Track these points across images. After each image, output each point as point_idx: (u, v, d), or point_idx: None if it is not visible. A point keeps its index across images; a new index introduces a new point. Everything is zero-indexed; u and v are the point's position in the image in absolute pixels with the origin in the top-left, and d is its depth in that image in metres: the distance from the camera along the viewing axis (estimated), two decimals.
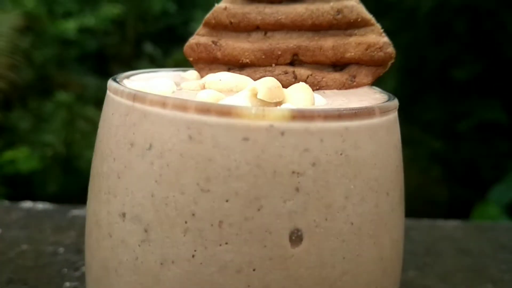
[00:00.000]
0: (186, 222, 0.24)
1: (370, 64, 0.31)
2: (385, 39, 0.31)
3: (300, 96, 0.26)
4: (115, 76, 0.29)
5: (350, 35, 0.31)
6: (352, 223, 0.25)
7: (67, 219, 0.63)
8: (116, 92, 0.27)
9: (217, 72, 0.31)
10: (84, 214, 0.65)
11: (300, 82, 0.29)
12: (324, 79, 0.32)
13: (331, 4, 0.31)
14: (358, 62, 0.32)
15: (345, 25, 0.31)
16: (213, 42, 0.33)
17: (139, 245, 0.25)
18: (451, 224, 0.69)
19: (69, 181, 2.45)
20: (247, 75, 0.31)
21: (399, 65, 2.37)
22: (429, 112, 2.51)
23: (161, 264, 0.25)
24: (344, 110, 0.25)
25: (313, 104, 0.27)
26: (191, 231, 0.24)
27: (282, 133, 0.24)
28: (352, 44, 0.31)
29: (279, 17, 0.32)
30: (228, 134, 0.23)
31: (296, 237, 0.24)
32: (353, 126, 0.25)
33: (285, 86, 0.28)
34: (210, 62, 0.34)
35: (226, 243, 0.24)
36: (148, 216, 0.25)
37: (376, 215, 0.26)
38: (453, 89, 2.41)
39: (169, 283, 0.25)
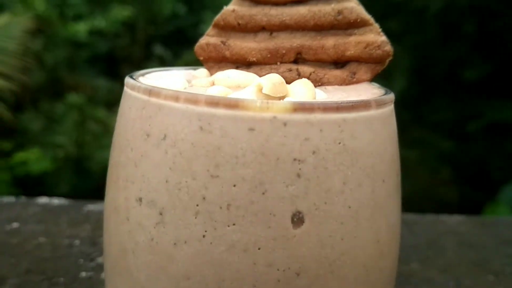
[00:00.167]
0: (197, 205, 0.26)
1: (369, 61, 0.33)
2: (383, 38, 0.33)
3: (302, 90, 0.29)
4: (131, 74, 0.32)
5: (350, 35, 0.33)
6: (350, 207, 0.27)
7: (82, 213, 0.66)
8: (133, 88, 0.29)
9: (225, 70, 0.34)
10: (98, 209, 0.67)
11: (303, 78, 0.31)
12: (326, 76, 0.34)
13: (332, 5, 0.33)
14: (358, 60, 0.34)
15: (345, 25, 0.33)
16: (222, 42, 0.35)
17: (154, 227, 0.27)
18: (455, 219, 0.70)
19: (80, 181, 2.47)
20: (254, 73, 0.33)
21: (408, 66, 2.37)
22: (438, 113, 2.51)
23: (175, 244, 0.27)
24: (342, 102, 0.27)
25: (314, 98, 0.29)
26: (202, 213, 0.26)
27: (285, 124, 0.26)
28: (352, 43, 0.33)
29: (284, 18, 0.34)
30: (235, 125, 0.26)
31: (297, 219, 0.26)
32: (350, 117, 0.27)
33: (289, 82, 0.31)
34: (219, 61, 0.36)
35: (234, 224, 0.26)
36: (162, 200, 0.27)
37: (372, 200, 0.28)
38: (462, 90, 2.42)
39: (182, 262, 0.27)
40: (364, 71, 0.34)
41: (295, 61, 0.35)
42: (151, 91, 0.28)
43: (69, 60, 2.86)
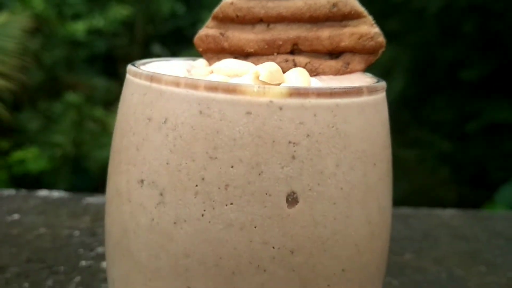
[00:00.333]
0: (196, 186, 0.27)
1: (363, 52, 0.35)
2: (376, 29, 0.34)
3: (298, 78, 0.30)
4: (133, 62, 0.33)
5: (345, 26, 0.35)
6: (342, 188, 0.28)
7: (82, 206, 0.67)
8: (135, 74, 0.30)
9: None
10: (97, 201, 0.68)
11: (299, 67, 0.32)
12: (321, 66, 0.35)
13: None
14: (352, 51, 0.35)
15: (340, 17, 0.34)
16: (220, 33, 0.37)
17: (155, 208, 0.28)
18: (449, 213, 0.71)
19: (78, 180, 2.48)
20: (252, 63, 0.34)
21: (408, 66, 2.39)
22: (437, 113, 2.52)
23: (175, 223, 0.28)
24: (335, 88, 0.28)
25: (309, 85, 0.30)
26: (201, 193, 0.27)
27: (281, 108, 0.27)
28: (346, 34, 0.35)
29: (281, 11, 0.35)
30: (233, 108, 0.27)
31: (292, 199, 0.27)
32: (343, 103, 0.28)
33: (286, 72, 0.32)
34: (218, 52, 0.37)
35: (231, 204, 0.27)
36: (163, 181, 0.28)
37: (364, 183, 0.29)
38: (461, 90, 2.43)
39: (181, 240, 0.28)
40: (358, 62, 0.35)
41: (292, 52, 0.36)
42: (152, 77, 0.29)
43: (67, 59, 2.86)
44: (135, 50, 3.06)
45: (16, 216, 0.62)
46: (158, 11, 3.02)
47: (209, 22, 0.37)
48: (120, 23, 2.80)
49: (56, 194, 0.70)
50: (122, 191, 0.30)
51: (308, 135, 0.27)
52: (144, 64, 0.34)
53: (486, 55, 2.31)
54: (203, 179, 0.27)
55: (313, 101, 0.27)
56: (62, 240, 0.57)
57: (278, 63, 0.35)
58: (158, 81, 0.29)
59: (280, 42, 0.35)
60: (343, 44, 0.35)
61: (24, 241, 0.57)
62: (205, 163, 0.27)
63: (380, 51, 0.35)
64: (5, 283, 0.47)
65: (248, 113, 0.27)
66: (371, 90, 0.29)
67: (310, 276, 0.28)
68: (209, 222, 0.27)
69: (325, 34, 0.35)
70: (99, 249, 0.55)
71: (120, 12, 2.72)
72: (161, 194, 0.28)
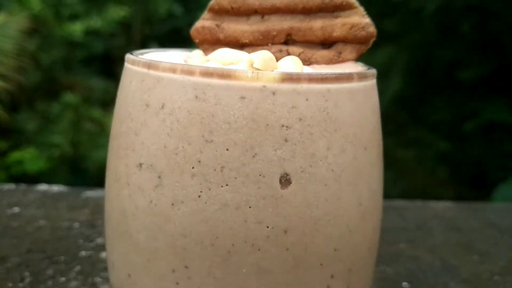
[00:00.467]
0: (193, 168, 0.28)
1: (354, 42, 0.36)
2: (367, 20, 0.35)
3: (290, 65, 0.31)
4: (131, 52, 0.34)
5: (337, 17, 0.36)
6: (333, 171, 0.29)
7: (81, 199, 0.68)
8: (133, 62, 0.31)
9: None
10: (97, 195, 0.69)
11: (292, 55, 0.33)
12: (314, 56, 0.36)
13: None
14: (343, 41, 0.36)
15: (332, 8, 0.36)
16: (216, 25, 0.38)
17: (153, 190, 0.30)
18: (443, 205, 0.72)
19: (76, 181, 2.49)
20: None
21: (405, 66, 2.39)
22: (435, 113, 2.53)
23: (172, 204, 0.29)
24: (326, 74, 0.29)
25: (302, 71, 0.31)
26: (197, 175, 0.28)
27: (274, 93, 0.28)
28: (338, 25, 0.36)
29: (274, 2, 0.36)
30: (228, 93, 0.28)
31: (285, 180, 0.28)
32: (334, 88, 0.29)
33: None
34: (213, 43, 0.38)
35: (227, 185, 0.28)
36: (161, 164, 0.29)
37: (354, 166, 0.30)
38: (459, 90, 2.43)
39: (179, 221, 0.29)
40: (349, 51, 0.36)
41: (285, 42, 0.37)
42: (150, 64, 0.30)
43: (65, 60, 2.87)
44: (132, 50, 3.07)
45: (16, 209, 0.63)
46: (156, 12, 3.03)
47: (205, 14, 0.38)
48: (117, 23, 2.81)
49: (55, 188, 0.71)
50: (121, 175, 0.31)
51: (300, 119, 0.28)
52: (142, 54, 0.35)
53: (485, 55, 2.32)
54: (199, 161, 0.28)
55: (305, 86, 0.28)
56: (62, 231, 0.58)
57: (273, 53, 0.36)
58: (156, 68, 0.30)
59: (274, 33, 0.36)
60: (335, 34, 0.36)
61: (24, 233, 0.57)
62: (201, 146, 0.28)
63: (371, 41, 0.36)
64: (6, 272, 0.48)
65: (242, 97, 0.28)
66: (361, 77, 0.31)
67: (303, 255, 0.29)
68: (206, 203, 0.28)
69: (317, 25, 0.36)
70: (99, 240, 0.56)
71: (118, 12, 2.73)
72: (159, 177, 0.29)
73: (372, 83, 0.32)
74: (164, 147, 0.29)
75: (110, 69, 3.08)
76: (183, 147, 0.29)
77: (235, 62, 0.33)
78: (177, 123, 0.29)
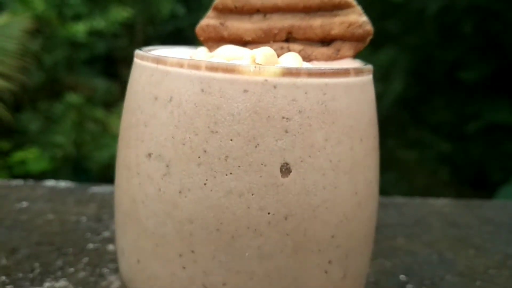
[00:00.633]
0: (199, 157, 0.30)
1: (352, 39, 0.37)
2: (364, 18, 0.37)
3: (290, 60, 0.33)
4: (140, 48, 0.36)
5: (335, 16, 0.37)
6: (331, 161, 0.31)
7: (88, 194, 0.70)
8: (142, 58, 0.33)
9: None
10: (103, 191, 0.71)
11: (292, 52, 0.35)
12: (313, 53, 0.38)
13: None
14: (342, 38, 0.38)
15: (330, 7, 0.37)
16: (220, 23, 0.39)
17: (161, 178, 0.31)
18: (441, 202, 0.74)
19: (79, 181, 2.50)
20: None
21: (407, 67, 2.41)
22: (437, 114, 2.54)
23: (179, 192, 0.31)
24: (324, 69, 0.31)
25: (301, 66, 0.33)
26: (203, 164, 0.30)
27: (275, 86, 0.30)
28: (337, 23, 0.37)
29: (276, 1, 0.38)
30: (232, 87, 0.30)
31: (285, 169, 0.30)
32: (331, 82, 0.31)
33: None
34: (218, 41, 0.40)
35: (231, 173, 0.30)
36: (169, 154, 0.31)
37: (351, 156, 0.32)
38: (461, 91, 2.44)
39: (186, 208, 0.31)
40: (347, 48, 0.38)
41: (286, 40, 0.39)
42: (159, 60, 0.32)
43: (67, 60, 2.88)
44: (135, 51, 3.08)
45: (24, 204, 0.65)
46: (158, 13, 3.05)
47: (210, 12, 0.40)
48: (120, 24, 2.82)
49: (62, 184, 0.72)
50: (131, 165, 0.33)
51: (299, 111, 0.30)
52: (150, 50, 0.37)
53: (486, 56, 2.33)
54: (205, 151, 0.30)
55: (304, 80, 0.30)
56: (70, 225, 0.60)
57: (274, 50, 0.38)
58: (164, 62, 0.31)
59: (276, 31, 0.38)
60: (333, 32, 0.37)
61: (33, 226, 0.59)
62: (207, 137, 0.30)
63: (368, 39, 0.38)
64: (17, 264, 0.50)
65: (245, 91, 0.30)
66: (357, 72, 0.32)
67: (302, 240, 0.31)
68: (211, 190, 0.30)
69: (317, 23, 0.38)
70: (106, 234, 0.58)
71: (120, 13, 2.74)
72: (167, 166, 0.31)
73: (368, 78, 0.34)
74: (172, 137, 0.31)
75: (113, 69, 3.09)
76: (190, 137, 0.30)
77: (238, 58, 0.35)
78: (184, 115, 0.30)
